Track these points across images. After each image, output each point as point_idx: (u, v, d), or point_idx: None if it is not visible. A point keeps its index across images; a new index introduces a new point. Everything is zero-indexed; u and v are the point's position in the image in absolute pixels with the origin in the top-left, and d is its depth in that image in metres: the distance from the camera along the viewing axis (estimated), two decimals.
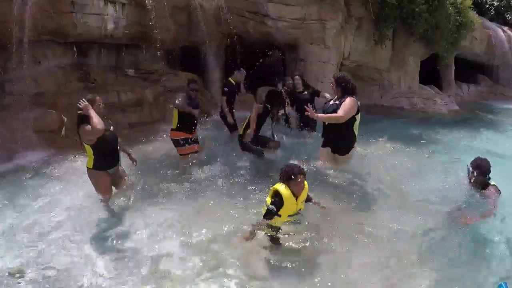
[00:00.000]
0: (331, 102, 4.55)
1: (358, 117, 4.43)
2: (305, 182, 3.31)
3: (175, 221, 3.69)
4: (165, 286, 2.86)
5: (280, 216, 3.22)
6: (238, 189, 4.34)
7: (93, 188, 3.90)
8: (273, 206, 3.18)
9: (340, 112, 4.23)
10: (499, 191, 3.73)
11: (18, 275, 2.92)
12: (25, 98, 6.04)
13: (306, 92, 6.48)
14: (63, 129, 6.23)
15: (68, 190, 4.41)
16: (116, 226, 3.62)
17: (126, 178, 4.14)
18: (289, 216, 3.28)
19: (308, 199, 3.52)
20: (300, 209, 3.35)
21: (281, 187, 3.21)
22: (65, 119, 6.28)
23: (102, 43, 7.27)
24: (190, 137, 5.30)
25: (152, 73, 8.14)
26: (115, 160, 3.97)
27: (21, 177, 4.93)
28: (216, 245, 3.30)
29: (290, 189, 3.18)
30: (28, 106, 6.02)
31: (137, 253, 3.22)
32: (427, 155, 6.14)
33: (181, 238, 3.39)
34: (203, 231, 3.44)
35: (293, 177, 3.16)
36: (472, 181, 3.83)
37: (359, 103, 4.40)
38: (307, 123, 6.39)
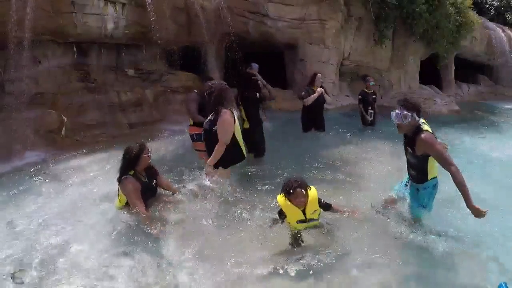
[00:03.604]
0: (209, 117, 4.06)
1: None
2: (312, 193, 3.23)
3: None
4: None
5: (289, 223, 3.29)
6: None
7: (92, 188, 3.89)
8: (277, 215, 3.36)
9: (220, 141, 3.86)
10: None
11: (18, 276, 2.92)
12: (25, 98, 6.03)
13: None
14: (63, 129, 6.23)
15: (68, 191, 4.41)
16: (116, 228, 3.62)
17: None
18: (299, 222, 3.23)
19: (326, 208, 3.39)
20: (313, 218, 3.26)
21: (280, 198, 3.23)
22: (65, 119, 6.29)
23: (102, 43, 7.27)
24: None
25: (152, 73, 8.14)
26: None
27: (21, 177, 4.92)
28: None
29: (290, 202, 3.16)
30: (28, 106, 6.02)
31: (137, 252, 3.22)
32: None
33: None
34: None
35: (291, 191, 3.11)
36: (403, 126, 3.19)
37: (236, 114, 3.97)
38: (314, 122, 6.38)
